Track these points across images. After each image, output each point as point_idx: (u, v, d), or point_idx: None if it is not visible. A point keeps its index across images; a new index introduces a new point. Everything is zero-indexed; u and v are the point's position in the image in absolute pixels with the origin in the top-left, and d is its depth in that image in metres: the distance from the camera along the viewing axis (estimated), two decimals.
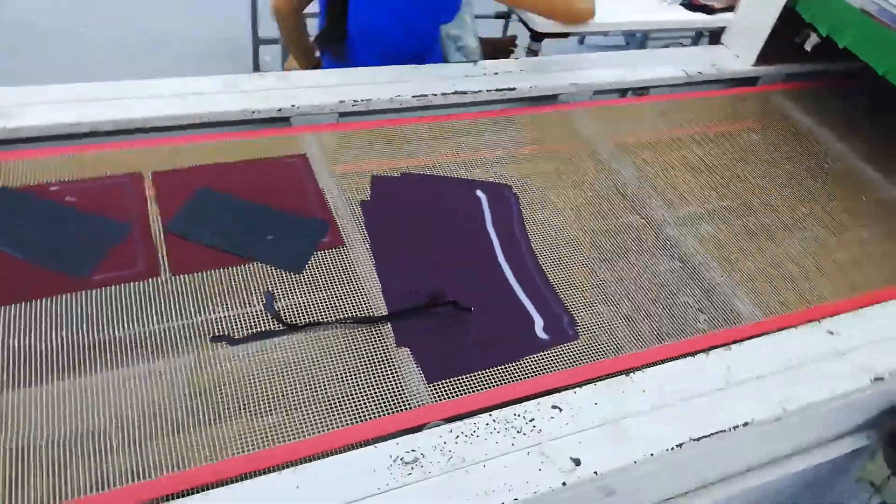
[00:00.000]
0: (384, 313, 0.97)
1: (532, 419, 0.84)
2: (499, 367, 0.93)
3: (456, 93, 1.39)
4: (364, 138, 1.29)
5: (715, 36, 1.85)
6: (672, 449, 0.85)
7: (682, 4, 1.96)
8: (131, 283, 0.94)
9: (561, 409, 0.86)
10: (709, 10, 1.93)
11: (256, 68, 2.78)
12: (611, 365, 0.96)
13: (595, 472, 0.80)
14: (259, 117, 1.26)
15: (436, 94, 1.38)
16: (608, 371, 0.95)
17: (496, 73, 1.47)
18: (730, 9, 1.87)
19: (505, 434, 0.82)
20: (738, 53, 1.70)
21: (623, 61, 1.61)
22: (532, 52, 1.87)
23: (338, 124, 1.32)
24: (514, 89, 1.44)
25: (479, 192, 1.22)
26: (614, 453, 0.83)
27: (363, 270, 1.03)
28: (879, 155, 1.53)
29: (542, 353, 0.97)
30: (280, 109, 1.27)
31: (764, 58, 1.67)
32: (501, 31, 2.94)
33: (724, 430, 0.89)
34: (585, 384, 0.91)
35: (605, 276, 1.11)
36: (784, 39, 1.65)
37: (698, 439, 0.86)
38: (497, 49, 2.06)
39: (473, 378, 0.91)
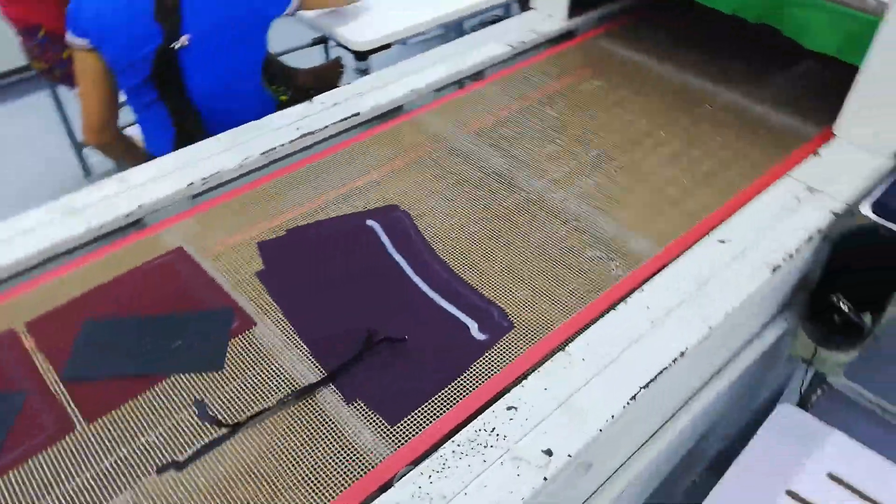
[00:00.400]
0: (321, 376, 0.94)
1: (493, 428, 0.84)
2: (451, 384, 0.92)
3: (303, 136, 1.37)
4: (230, 210, 1.24)
5: (524, 2, 1.91)
6: (627, 404, 0.87)
7: None
8: (47, 450, 0.86)
9: (517, 408, 0.86)
10: None
11: (87, 173, 2.63)
12: (548, 342, 0.98)
13: (569, 455, 0.81)
14: (112, 228, 1.18)
15: (283, 144, 1.34)
16: (547, 349, 0.96)
17: (335, 104, 1.45)
18: None
19: (474, 454, 0.81)
20: (550, 13, 1.77)
21: (450, 53, 1.64)
22: (361, 72, 1.87)
23: (197, 206, 1.25)
24: (358, 114, 1.43)
25: (369, 222, 1.21)
26: (578, 430, 0.84)
27: (283, 341, 0.99)
28: (705, 66, 1.64)
29: (486, 354, 0.97)
30: (129, 214, 1.19)
31: (574, 9, 1.74)
32: (322, 58, 2.92)
33: (666, 367, 0.92)
34: (531, 372, 0.92)
35: (514, 259, 1.13)
36: None
37: (647, 385, 0.89)
38: (325, 76, 2.03)
39: (428, 406, 0.90)
